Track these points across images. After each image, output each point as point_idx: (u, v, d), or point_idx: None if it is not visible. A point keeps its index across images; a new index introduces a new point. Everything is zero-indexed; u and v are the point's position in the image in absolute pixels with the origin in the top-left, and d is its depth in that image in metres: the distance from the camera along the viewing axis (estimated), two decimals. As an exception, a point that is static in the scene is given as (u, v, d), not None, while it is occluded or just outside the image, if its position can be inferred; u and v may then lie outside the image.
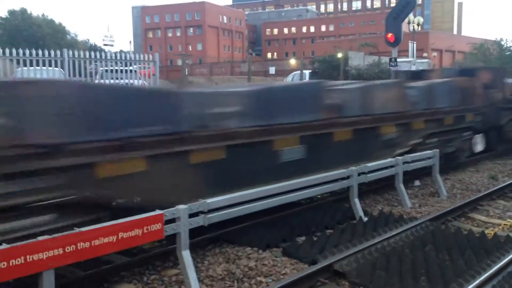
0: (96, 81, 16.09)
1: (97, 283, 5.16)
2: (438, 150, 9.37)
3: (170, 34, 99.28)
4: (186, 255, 5.04)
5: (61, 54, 14.99)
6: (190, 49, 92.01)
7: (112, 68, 16.34)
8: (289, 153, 7.34)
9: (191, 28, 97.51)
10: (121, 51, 22.60)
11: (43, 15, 60.13)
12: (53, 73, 14.70)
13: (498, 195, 9.21)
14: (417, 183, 10.08)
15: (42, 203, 4.76)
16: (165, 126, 5.84)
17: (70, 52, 15.32)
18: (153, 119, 5.75)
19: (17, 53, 14.18)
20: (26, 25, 54.16)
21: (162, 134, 5.75)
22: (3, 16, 56.46)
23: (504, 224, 7.42)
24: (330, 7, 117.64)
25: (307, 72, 32.68)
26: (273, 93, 7.69)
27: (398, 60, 20.42)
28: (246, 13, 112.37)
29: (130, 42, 76.92)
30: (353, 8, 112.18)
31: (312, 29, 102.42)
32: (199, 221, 5.32)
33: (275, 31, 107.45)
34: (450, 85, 11.51)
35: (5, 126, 4.64)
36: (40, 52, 14.48)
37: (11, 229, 4.50)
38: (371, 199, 8.91)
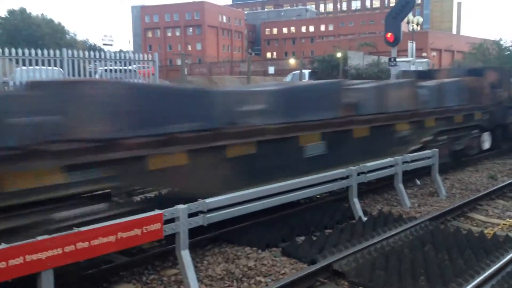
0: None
1: (96, 283, 5.16)
2: (437, 150, 9.39)
3: (169, 34, 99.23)
4: (185, 255, 5.04)
5: (60, 54, 14.98)
6: (190, 49, 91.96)
7: (111, 67, 16.34)
8: (312, 149, 7.73)
9: (191, 28, 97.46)
10: (120, 51, 22.60)
11: (42, 14, 60.15)
12: (52, 72, 14.70)
13: (497, 195, 9.22)
14: (417, 182, 10.10)
15: (98, 192, 5.25)
16: (203, 122, 6.25)
17: (69, 52, 15.31)
18: (192, 116, 6.16)
19: (16, 53, 14.16)
20: (26, 25, 54.15)
21: (200, 130, 6.16)
22: (3, 16, 56.50)
23: (503, 224, 7.43)
24: (330, 7, 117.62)
25: (306, 72, 32.72)
26: (297, 92, 8.09)
27: (397, 59, 20.43)
28: (246, 12, 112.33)
29: (129, 41, 77.02)
30: (353, 8, 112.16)
31: (311, 28, 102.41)
32: (199, 221, 5.32)
33: (275, 30, 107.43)
34: (459, 85, 11.84)
35: (64, 122, 5.00)
36: (39, 51, 14.47)
37: (73, 216, 4.95)
38: (370, 198, 8.91)
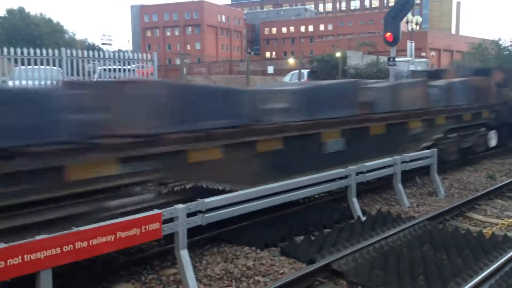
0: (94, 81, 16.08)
1: (95, 282, 5.16)
2: (436, 149, 9.41)
3: (168, 33, 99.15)
4: (184, 255, 5.04)
5: (59, 53, 14.96)
6: (189, 48, 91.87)
7: (110, 67, 16.32)
8: (332, 145, 8.15)
9: (190, 27, 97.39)
10: (119, 50, 22.61)
11: (41, 14, 60.12)
12: (51, 72, 14.68)
13: (496, 195, 9.23)
14: (417, 180, 10.12)
15: (145, 183, 5.66)
16: (235, 119, 6.73)
17: (68, 51, 15.30)
18: (225, 114, 6.61)
19: (15, 52, 14.15)
20: (24, 24, 54.13)
21: (233, 127, 6.61)
22: (1, 15, 56.48)
23: (502, 224, 7.44)
24: (329, 7, 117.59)
25: (305, 72, 32.71)
26: (318, 91, 8.54)
27: (396, 59, 20.42)
28: (245, 12, 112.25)
29: (128, 41, 76.91)
30: (352, 8, 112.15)
31: (310, 28, 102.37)
32: (197, 220, 5.32)
33: (274, 30, 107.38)
34: (467, 84, 12.25)
35: (114, 119, 5.44)
36: (38, 51, 14.45)
37: (124, 205, 5.35)
38: (369, 198, 8.92)
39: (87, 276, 5.18)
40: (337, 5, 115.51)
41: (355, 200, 7.55)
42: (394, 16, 18.91)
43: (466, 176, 11.03)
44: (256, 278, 5.38)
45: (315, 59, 37.09)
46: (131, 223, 4.60)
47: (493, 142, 12.85)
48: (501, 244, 6.21)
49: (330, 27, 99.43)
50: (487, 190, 9.26)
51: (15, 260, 3.84)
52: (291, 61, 50.32)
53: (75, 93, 5.54)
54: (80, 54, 15.52)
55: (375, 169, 7.98)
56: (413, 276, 5.17)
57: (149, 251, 5.92)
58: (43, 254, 4.00)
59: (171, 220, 4.98)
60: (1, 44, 15.68)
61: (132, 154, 5.38)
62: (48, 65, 14.71)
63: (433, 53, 58.33)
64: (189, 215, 5.18)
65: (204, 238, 6.32)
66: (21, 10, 56.91)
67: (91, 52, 16.10)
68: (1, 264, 3.77)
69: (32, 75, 14.28)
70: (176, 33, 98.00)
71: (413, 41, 30.54)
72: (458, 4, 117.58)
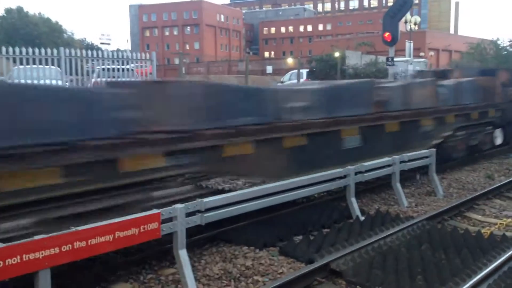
0: (93, 80, 16.07)
1: (93, 282, 5.15)
2: (434, 149, 9.42)
3: (167, 33, 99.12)
4: (183, 254, 5.04)
5: (58, 53, 14.95)
6: (188, 48, 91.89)
7: (109, 66, 16.32)
8: (350, 141, 8.54)
9: (188, 27, 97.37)
10: (118, 50, 22.58)
11: (39, 13, 60.10)
12: (50, 71, 14.67)
13: (495, 195, 9.24)
14: (418, 177, 10.15)
15: (186, 175, 6.24)
16: (261, 117, 7.11)
17: (67, 51, 15.29)
18: (253, 111, 7.01)
19: (14, 52, 14.14)
20: (23, 24, 54.07)
21: (262, 124, 7.01)
22: (0, 15, 56.29)
23: (500, 223, 7.44)
24: (328, 6, 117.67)
25: (304, 71, 32.71)
26: (337, 90, 8.98)
27: (395, 59, 20.44)
28: (244, 12, 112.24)
29: (127, 40, 76.83)
30: (350, 7, 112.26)
31: (309, 28, 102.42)
32: (196, 220, 5.31)
33: (273, 30, 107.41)
34: (474, 84, 12.64)
35: (158, 116, 5.84)
36: (36, 50, 14.44)
37: (167, 195, 5.87)
38: (368, 198, 8.92)
39: (86, 276, 5.18)
40: (336, 5, 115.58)
41: (353, 199, 7.55)
42: (392, 16, 18.94)
43: (464, 176, 11.05)
44: (255, 277, 5.38)
45: (314, 59, 37.09)
46: (130, 223, 4.60)
47: (498, 140, 13.27)
48: (500, 244, 6.22)
49: (328, 27, 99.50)
50: (485, 190, 9.26)
51: (14, 260, 3.83)
52: (289, 61, 50.35)
53: (123, 93, 6.00)
54: (78, 54, 15.52)
55: (373, 169, 7.98)
56: (412, 275, 5.17)
57: (148, 251, 5.91)
58: (42, 254, 3.99)
59: (170, 219, 4.98)
60: (-1, 44, 15.67)
61: (175, 148, 5.78)
62: (46, 64, 14.71)
63: (432, 53, 58.39)
64: (188, 214, 5.18)
65: (203, 238, 6.32)
66: (19, 9, 56.84)
67: (89, 52, 16.09)
68: (0, 264, 3.76)
69: (31, 75, 14.27)
70: (175, 33, 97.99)
71: (411, 41, 30.52)
72: (457, 4, 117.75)
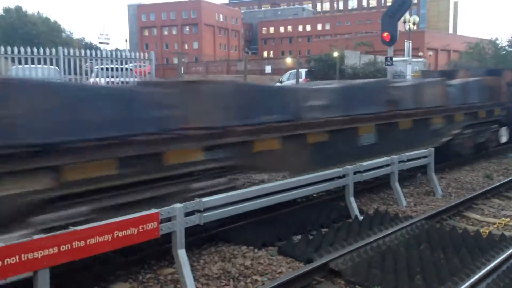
0: (92, 80, 16.05)
1: (92, 282, 5.15)
2: (433, 149, 9.42)
3: (166, 32, 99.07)
4: (181, 254, 5.04)
5: (57, 52, 14.93)
6: (186, 48, 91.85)
7: (107, 66, 16.29)
8: (366, 138, 8.96)
9: (187, 27, 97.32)
10: (116, 49, 22.55)
11: (38, 13, 60.03)
12: (48, 71, 14.65)
13: (493, 194, 9.25)
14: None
15: (221, 168, 6.48)
16: (285, 115, 7.47)
17: (66, 50, 15.27)
18: (279, 109, 7.40)
19: (12, 51, 14.11)
20: (21, 23, 53.98)
21: (287, 121, 7.40)
22: (-2, 14, 56.21)
23: (499, 223, 7.45)
24: (326, 6, 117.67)
25: (303, 71, 32.71)
26: (354, 89, 9.45)
27: (393, 59, 20.46)
28: (242, 11, 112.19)
29: (126, 40, 76.54)
30: (349, 7, 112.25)
31: (308, 28, 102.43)
32: (195, 219, 5.31)
33: (271, 29, 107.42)
34: (480, 83, 13.02)
35: (195, 113, 6.22)
36: (35, 50, 14.42)
37: (204, 187, 6.13)
38: (366, 197, 8.93)
39: (85, 276, 5.17)
40: (335, 5, 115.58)
41: (352, 199, 7.55)
42: (391, 16, 18.94)
43: (463, 176, 11.06)
44: (254, 277, 5.38)
45: (313, 58, 37.08)
46: (129, 223, 4.59)
47: (504, 138, 13.64)
48: (498, 244, 6.23)
49: (327, 27, 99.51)
50: (484, 190, 9.27)
51: (12, 260, 3.83)
52: (288, 60, 50.38)
53: (165, 92, 6.34)
54: (77, 53, 15.49)
55: (372, 169, 7.98)
56: (411, 275, 5.17)
57: (147, 251, 5.91)
58: (40, 253, 3.99)
59: (168, 219, 4.97)
60: (-2, 43, 15.64)
61: (213, 143, 6.24)
62: (45, 64, 14.68)
63: (431, 52, 58.39)
64: (187, 214, 5.18)
65: (201, 238, 6.32)
66: (18, 9, 56.75)
67: (88, 51, 16.07)
68: (-2, 263, 3.76)
69: (30, 74, 14.24)
70: (174, 32, 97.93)
71: (410, 41, 30.57)
72: (456, 4, 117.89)
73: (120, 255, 5.67)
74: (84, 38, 73.55)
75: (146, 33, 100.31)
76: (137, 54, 17.39)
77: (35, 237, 4.03)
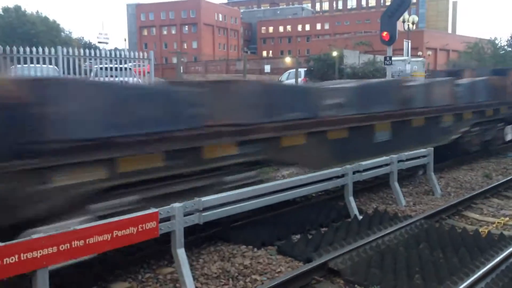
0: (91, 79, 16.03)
1: (91, 281, 5.15)
2: (432, 148, 9.43)
3: (165, 32, 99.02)
4: (181, 253, 5.04)
5: (56, 52, 14.92)
6: (185, 47, 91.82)
7: (106, 66, 16.29)
8: (382, 135, 9.30)
9: (186, 26, 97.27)
10: (115, 49, 22.52)
11: (37, 12, 59.90)
12: (47, 70, 14.64)
13: (492, 194, 9.25)
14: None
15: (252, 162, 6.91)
16: (308, 112, 7.88)
17: (65, 50, 15.26)
18: (302, 107, 7.78)
19: (11, 51, 14.10)
20: (20, 23, 53.89)
21: (308, 118, 7.78)
22: (-3, 13, 56.09)
23: (498, 222, 7.46)
24: (325, 6, 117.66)
25: (302, 71, 32.69)
26: (370, 88, 9.89)
27: (393, 58, 20.44)
28: (241, 11, 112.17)
29: (124, 39, 76.47)
30: (348, 7, 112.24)
31: (307, 27, 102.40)
32: (194, 219, 5.31)
33: (270, 29, 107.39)
34: (487, 83, 13.34)
35: (228, 111, 6.57)
36: (34, 49, 14.40)
37: (235, 180, 6.53)
38: (365, 197, 8.93)
39: (84, 275, 5.17)
40: (334, 4, 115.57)
41: (351, 199, 7.56)
42: (390, 16, 18.92)
43: (462, 175, 11.06)
44: (253, 276, 5.38)
45: (312, 58, 37.02)
46: (128, 222, 4.59)
47: (509, 136, 13.93)
48: (497, 243, 6.23)
49: (326, 26, 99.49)
50: (483, 189, 9.28)
51: (12, 259, 3.83)
52: (288, 60, 50.38)
53: (200, 91, 6.70)
54: (76, 53, 15.48)
55: (371, 168, 7.99)
56: (410, 274, 5.18)
57: (146, 250, 5.91)
58: (40, 253, 3.99)
59: (168, 219, 4.97)
60: (-3, 43, 15.62)
61: (245, 139, 6.66)
62: (44, 63, 14.67)
63: (430, 52, 58.41)
64: (186, 214, 5.18)
65: (201, 237, 6.32)
66: (17, 8, 56.64)
67: (87, 51, 16.06)
68: (-3, 263, 3.75)
69: (29, 74, 14.22)
70: (173, 32, 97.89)
71: (409, 40, 30.57)
72: (455, 3, 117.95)
73: (119, 254, 5.67)
74: (83, 37, 73.56)
75: (145, 32, 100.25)
76: (136, 53, 17.38)
77: (34, 236, 4.03)
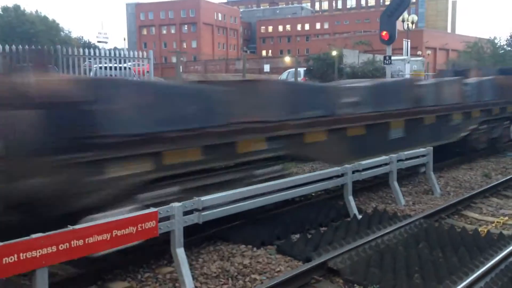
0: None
1: (91, 281, 5.14)
2: (431, 148, 9.43)
3: (164, 31, 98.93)
4: (180, 253, 5.04)
5: (55, 51, 14.90)
6: (185, 47, 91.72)
7: (106, 65, 16.27)
8: (396, 132, 9.65)
9: (186, 25, 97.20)
10: (115, 48, 22.50)
11: (36, 11, 59.84)
12: (47, 70, 14.59)
13: (491, 193, 9.26)
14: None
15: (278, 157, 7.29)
16: (327, 110, 8.26)
17: (64, 49, 15.24)
18: (321, 105, 8.15)
19: (11, 50, 14.08)
20: (20, 22, 53.85)
21: (327, 116, 8.17)
22: (-4, 13, 56.02)
23: (497, 222, 7.46)
24: (325, 5, 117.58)
25: (301, 70, 32.67)
26: (385, 87, 10.35)
27: (392, 58, 20.45)
28: (241, 10, 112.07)
29: (124, 39, 76.46)
30: (348, 6, 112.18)
31: (306, 27, 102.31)
32: (194, 218, 5.31)
33: (270, 28, 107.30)
34: (493, 82, 13.81)
35: (249, 109, 6.93)
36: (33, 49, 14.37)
37: (263, 173, 6.91)
38: (365, 196, 8.93)
39: (83, 275, 5.17)
40: (333, 4, 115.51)
41: (351, 198, 7.55)
42: (390, 15, 18.94)
43: (461, 175, 11.07)
44: (253, 276, 5.38)
45: (311, 57, 36.99)
46: (127, 222, 4.59)
47: None
48: (497, 242, 6.23)
49: (326, 26, 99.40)
50: (482, 189, 9.29)
51: (11, 259, 3.83)
52: (287, 59, 50.35)
53: (230, 90, 7.04)
54: (76, 52, 15.46)
55: (371, 168, 7.99)
56: (409, 274, 5.18)
57: (146, 250, 5.90)
58: (39, 252, 3.99)
59: (167, 218, 4.97)
60: (-4, 42, 15.61)
61: (273, 135, 7.04)
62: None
63: (429, 51, 58.39)
64: (186, 213, 5.17)
65: (200, 237, 6.32)
66: (16, 7, 56.58)
67: (87, 50, 16.04)
68: (-3, 262, 3.75)
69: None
70: (172, 31, 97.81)
71: (409, 40, 30.55)
72: (454, 3, 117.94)
73: (118, 253, 5.66)
74: (82, 37, 73.35)
75: (144, 32, 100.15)
76: (136, 53, 17.38)
77: (34, 236, 4.03)
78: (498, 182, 9.88)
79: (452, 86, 12.08)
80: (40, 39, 46.58)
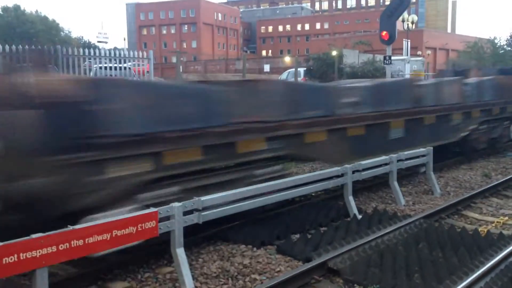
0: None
1: (91, 281, 5.14)
2: (431, 148, 9.43)
3: (164, 31, 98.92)
4: (180, 253, 5.04)
5: (55, 51, 14.90)
6: (185, 46, 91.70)
7: (106, 65, 16.27)
8: (396, 132, 9.66)
9: (186, 25, 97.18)
10: (115, 48, 22.50)
11: (36, 11, 59.86)
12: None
13: (491, 193, 9.26)
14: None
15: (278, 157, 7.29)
16: (327, 110, 8.27)
17: (64, 49, 15.23)
18: (321, 105, 8.16)
19: (11, 50, 14.08)
20: (20, 22, 53.88)
21: (327, 116, 8.18)
22: (-4, 13, 56.04)
23: (497, 222, 7.46)
24: (325, 5, 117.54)
25: (301, 70, 32.67)
26: (385, 87, 10.42)
27: (392, 58, 20.45)
28: (241, 10, 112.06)
29: (124, 39, 76.50)
30: (348, 6, 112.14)
31: (306, 27, 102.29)
32: (194, 218, 5.31)
33: (270, 28, 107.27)
34: (493, 82, 13.85)
35: (249, 109, 6.92)
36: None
37: (263, 173, 6.93)
38: (365, 196, 8.93)
39: (83, 275, 5.17)
40: (333, 4, 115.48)
41: (351, 198, 7.56)
42: (390, 15, 18.93)
43: (461, 175, 11.07)
44: (253, 276, 5.38)
45: (311, 57, 36.94)
46: (127, 222, 4.59)
47: None
48: (497, 242, 6.23)
49: (326, 26, 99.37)
50: (482, 189, 9.29)
51: (11, 259, 3.83)
52: (287, 59, 50.37)
53: (229, 90, 7.01)
54: (76, 52, 15.46)
55: (371, 168, 7.99)
56: (409, 274, 5.18)
57: (146, 250, 5.90)
58: (39, 252, 3.99)
59: (167, 218, 4.97)
60: (-4, 42, 15.61)
61: (273, 135, 7.04)
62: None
63: (429, 51, 58.39)
64: (186, 213, 5.17)
65: (200, 237, 6.32)
66: (16, 7, 56.63)
67: (86, 50, 16.04)
68: (-3, 262, 3.75)
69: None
70: (172, 31, 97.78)
71: (409, 40, 30.56)
72: (454, 3, 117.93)
73: (118, 253, 5.66)
74: (82, 37, 73.40)
75: (144, 32, 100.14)
76: (136, 53, 17.36)
77: (34, 236, 4.03)
78: (498, 182, 9.88)
79: (452, 86, 12.11)
80: (40, 39, 46.60)
